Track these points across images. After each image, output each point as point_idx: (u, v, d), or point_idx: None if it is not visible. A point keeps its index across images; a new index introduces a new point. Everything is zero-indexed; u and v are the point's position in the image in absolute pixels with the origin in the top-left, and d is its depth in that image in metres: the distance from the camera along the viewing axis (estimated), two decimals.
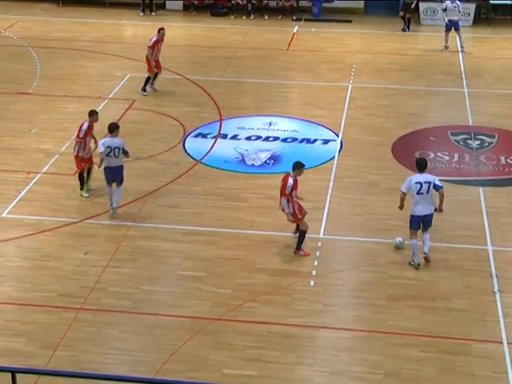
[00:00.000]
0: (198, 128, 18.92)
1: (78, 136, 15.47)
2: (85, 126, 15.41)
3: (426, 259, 13.50)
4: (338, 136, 18.49)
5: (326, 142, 18.30)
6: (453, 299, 12.73)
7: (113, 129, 14.97)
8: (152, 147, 17.88)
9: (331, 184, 16.34)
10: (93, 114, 15.59)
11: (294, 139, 18.38)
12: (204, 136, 18.59)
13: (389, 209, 15.30)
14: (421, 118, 19.66)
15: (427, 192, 13.19)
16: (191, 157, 17.53)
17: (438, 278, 13.27)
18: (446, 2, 23.67)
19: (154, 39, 20.51)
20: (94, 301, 12.62)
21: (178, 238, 14.32)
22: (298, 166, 13.56)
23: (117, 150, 14.75)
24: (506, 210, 15.39)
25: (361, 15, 28.65)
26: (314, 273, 13.38)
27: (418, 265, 13.42)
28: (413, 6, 26.34)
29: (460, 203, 15.64)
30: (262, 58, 22.58)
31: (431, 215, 13.43)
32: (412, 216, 13.47)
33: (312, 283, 13.12)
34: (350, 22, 27.75)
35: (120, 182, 15.04)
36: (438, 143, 18.20)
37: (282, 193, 13.53)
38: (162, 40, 20.73)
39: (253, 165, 17.29)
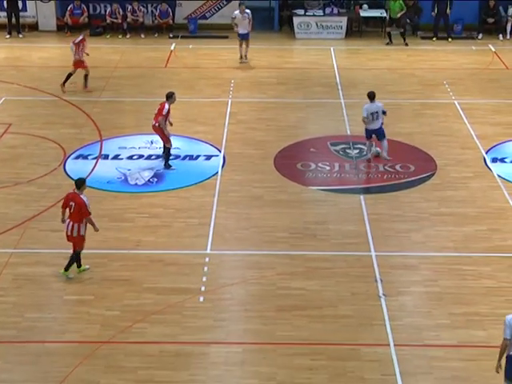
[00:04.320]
0: (78, 150, 18.59)
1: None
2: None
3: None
4: (220, 151, 18.56)
5: (208, 157, 18.34)
6: (340, 306, 12.96)
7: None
8: (31, 171, 17.45)
9: (216, 199, 16.37)
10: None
11: (177, 156, 18.32)
12: (85, 157, 18.29)
13: (274, 221, 15.49)
14: (301, 130, 19.98)
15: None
16: (72, 179, 17.15)
17: (324, 286, 13.48)
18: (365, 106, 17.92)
19: (167, 107, 17.75)
20: None
21: (62, 263, 13.93)
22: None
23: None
24: (386, 216, 15.81)
25: None
26: (202, 289, 13.35)
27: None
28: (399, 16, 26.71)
29: (343, 212, 15.98)
30: (140, 76, 22.40)
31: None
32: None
33: (201, 299, 13.08)
34: (226, 37, 27.92)
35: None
36: (319, 154, 18.54)
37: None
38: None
39: (136, 184, 17.13)
